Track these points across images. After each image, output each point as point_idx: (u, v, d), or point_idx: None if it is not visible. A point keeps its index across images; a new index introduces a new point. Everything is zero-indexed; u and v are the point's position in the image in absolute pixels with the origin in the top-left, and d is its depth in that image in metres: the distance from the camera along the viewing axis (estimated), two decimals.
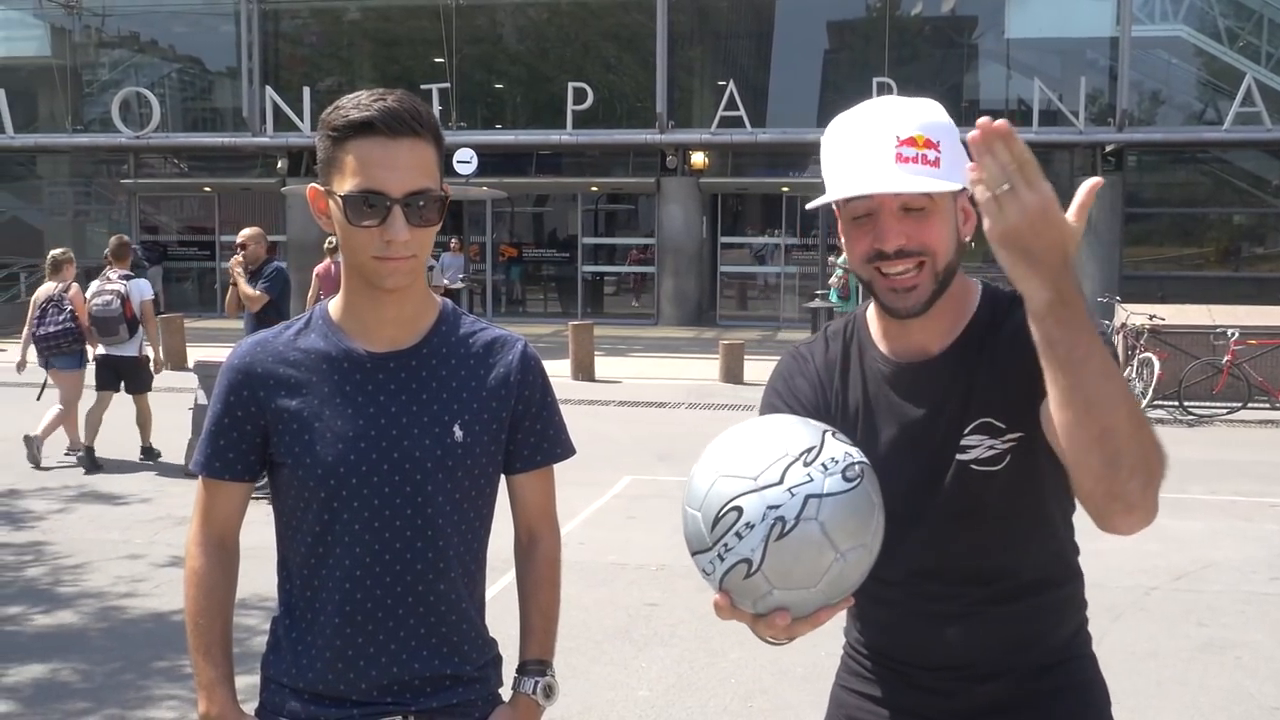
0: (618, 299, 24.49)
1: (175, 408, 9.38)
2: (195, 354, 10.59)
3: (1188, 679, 4.91)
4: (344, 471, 1.80)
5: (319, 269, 11.37)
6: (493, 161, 21.49)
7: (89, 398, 9.36)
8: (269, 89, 22.68)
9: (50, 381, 9.53)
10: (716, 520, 1.43)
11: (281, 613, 1.91)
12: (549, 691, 1.94)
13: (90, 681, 4.80)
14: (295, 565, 1.87)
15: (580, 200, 24.09)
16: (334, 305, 1.90)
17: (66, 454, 9.47)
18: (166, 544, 6.86)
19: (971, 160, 1.44)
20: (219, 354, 8.46)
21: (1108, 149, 21.38)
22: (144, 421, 9.42)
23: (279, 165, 23.53)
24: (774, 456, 1.44)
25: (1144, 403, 11.27)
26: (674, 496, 8.20)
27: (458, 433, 1.84)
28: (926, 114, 1.63)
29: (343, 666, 1.83)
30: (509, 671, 1.98)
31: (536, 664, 1.95)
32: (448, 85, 22.01)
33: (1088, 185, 1.44)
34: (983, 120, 1.39)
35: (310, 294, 11.42)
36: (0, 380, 14.22)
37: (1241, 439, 11.09)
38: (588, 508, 7.81)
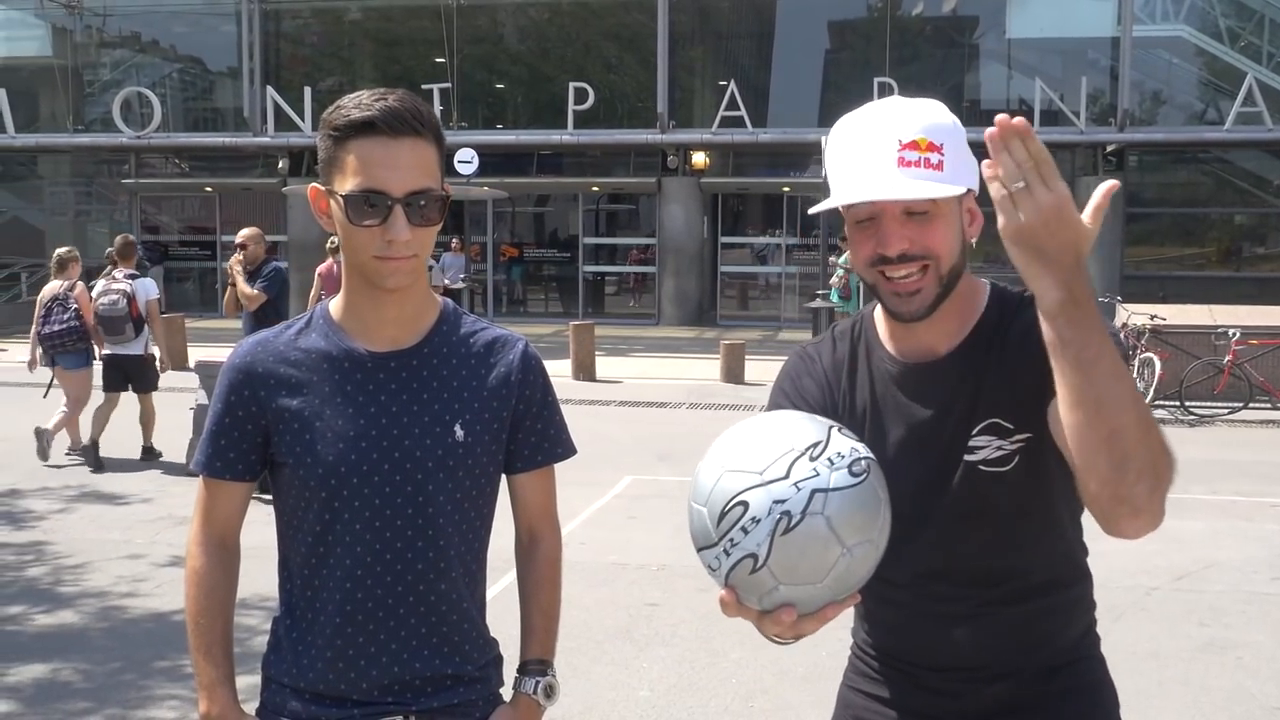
0: (619, 299, 24.50)
1: (176, 407, 9.38)
2: (196, 354, 10.60)
3: (1189, 679, 4.91)
4: (345, 471, 1.80)
5: (322, 269, 11.37)
6: (494, 161, 21.50)
7: (96, 397, 9.39)
8: (270, 89, 22.69)
9: (55, 380, 9.56)
10: (722, 515, 1.42)
11: (282, 612, 1.91)
12: (550, 691, 1.94)
13: (91, 681, 4.80)
14: (296, 565, 1.87)
15: (581, 200, 24.09)
16: (335, 305, 1.90)
17: (68, 454, 9.48)
18: (167, 544, 6.86)
19: (981, 160, 1.43)
20: (220, 354, 8.48)
21: (1109, 149, 21.37)
22: (147, 421, 9.44)
23: (280, 165, 23.54)
24: (780, 451, 1.43)
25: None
26: (675, 497, 8.22)
27: (459, 432, 1.84)
28: (929, 116, 1.62)
29: (343, 666, 1.83)
30: (510, 671, 1.98)
31: (537, 664, 1.95)
32: (449, 85, 22.01)
33: (1104, 188, 1.43)
34: (1001, 117, 1.39)
35: (313, 294, 11.43)
36: (1, 380, 14.25)
37: (1243, 439, 11.08)
38: (589, 508, 7.81)
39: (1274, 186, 22.46)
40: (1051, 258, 1.42)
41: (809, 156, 21.47)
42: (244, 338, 2.01)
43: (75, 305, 9.24)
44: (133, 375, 9.35)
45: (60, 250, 9.72)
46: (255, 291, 8.45)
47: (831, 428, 1.50)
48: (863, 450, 1.49)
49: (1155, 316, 12.66)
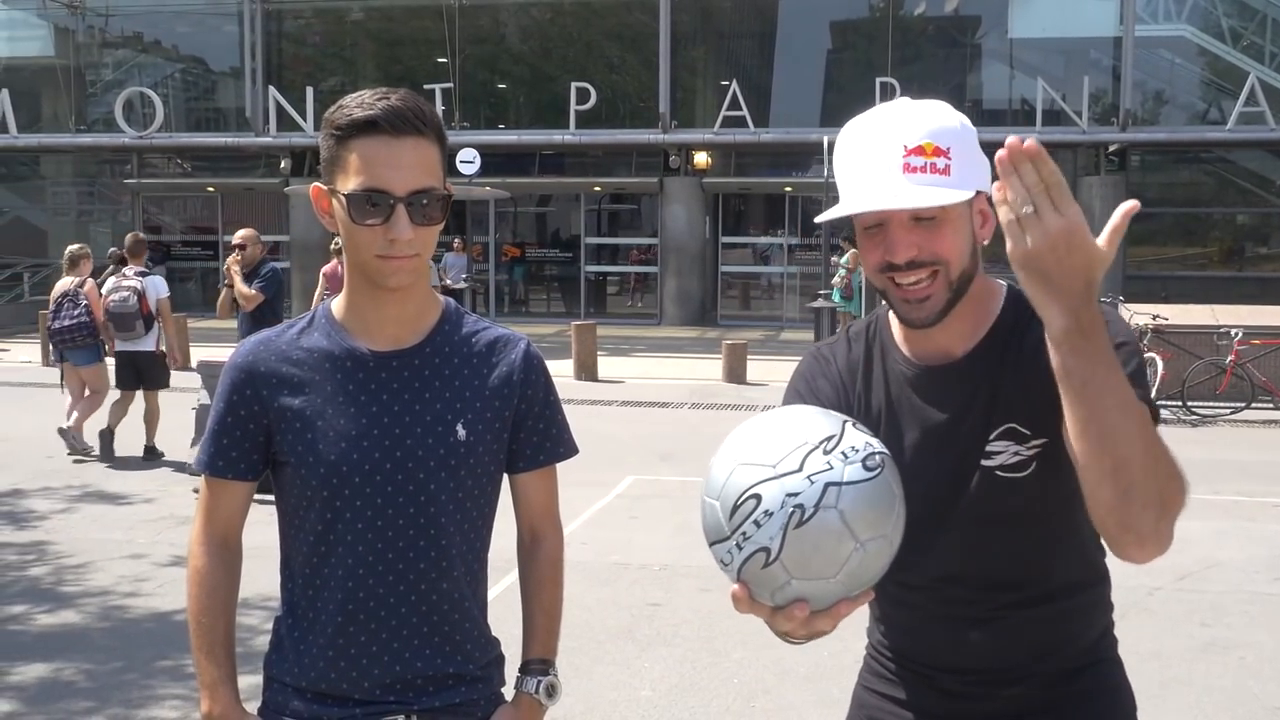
0: (620, 299, 24.50)
1: (178, 407, 9.39)
2: (198, 354, 10.62)
3: (1191, 679, 4.91)
4: (347, 470, 1.80)
5: (326, 269, 11.39)
6: (496, 161, 21.52)
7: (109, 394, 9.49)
8: (272, 89, 22.71)
9: (65, 375, 9.63)
10: (735, 508, 1.41)
11: (284, 612, 1.91)
12: (551, 691, 1.94)
13: (93, 681, 4.80)
14: (298, 564, 1.87)
15: (583, 200, 24.10)
16: (337, 304, 1.90)
17: (69, 453, 9.48)
18: (169, 544, 6.87)
19: (991, 164, 1.42)
20: (222, 354, 8.49)
21: (1111, 149, 21.37)
22: (151, 419, 9.47)
23: (282, 165, 23.55)
24: (794, 445, 1.42)
25: None
26: (677, 497, 8.22)
27: (460, 432, 1.84)
28: (935, 120, 1.60)
29: (345, 665, 1.83)
30: (511, 671, 1.98)
31: (539, 663, 1.95)
32: (451, 85, 22.01)
33: (1123, 210, 1.39)
34: (1012, 140, 1.36)
35: (317, 294, 11.45)
36: (3, 380, 14.27)
37: (1245, 439, 11.07)
38: (590, 508, 7.81)
39: (1276, 186, 22.43)
40: (1060, 285, 1.39)
41: (811, 156, 21.46)
42: (243, 338, 2.00)
43: (85, 301, 9.34)
44: (143, 371, 9.44)
45: (72, 247, 9.86)
46: (253, 292, 8.48)
47: (846, 422, 1.49)
48: (877, 445, 1.48)
49: (1157, 316, 12.64)
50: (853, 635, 1.96)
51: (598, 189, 24.05)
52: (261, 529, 2.14)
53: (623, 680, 4.86)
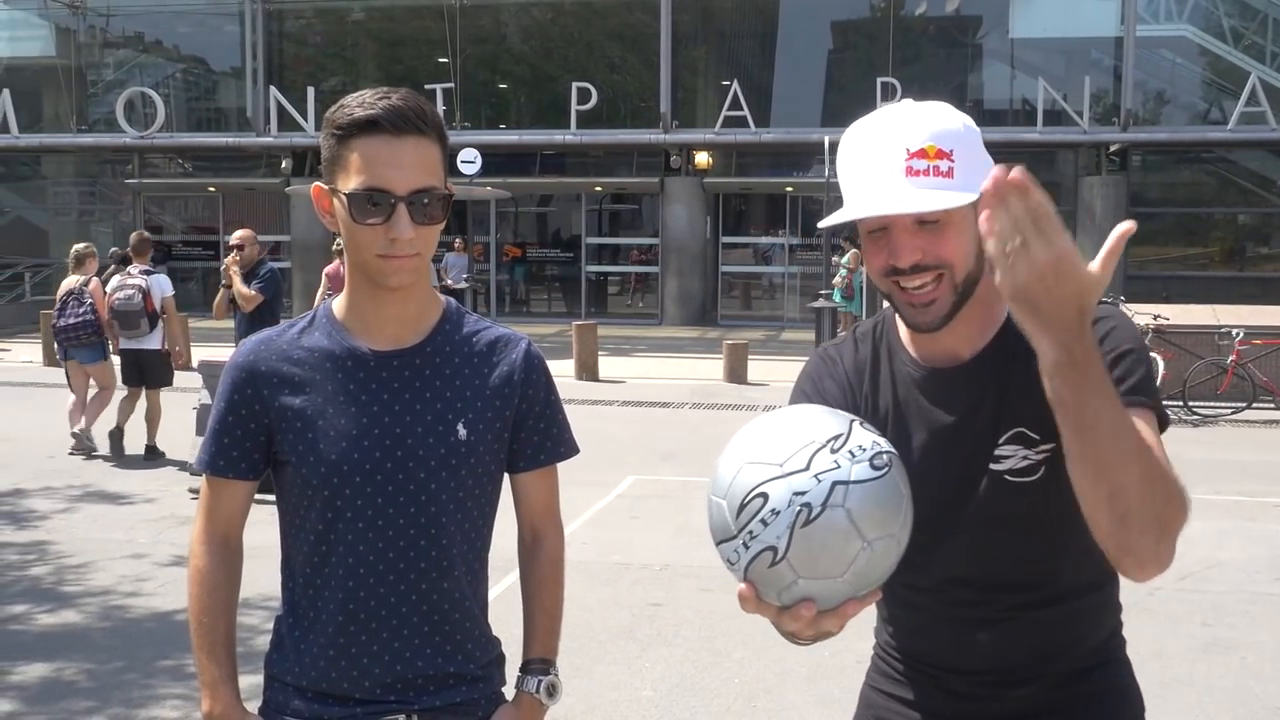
0: (621, 299, 24.51)
1: (180, 407, 9.39)
2: (199, 353, 10.64)
3: (1193, 679, 4.90)
4: (347, 469, 1.80)
5: (329, 269, 11.40)
6: (497, 161, 21.52)
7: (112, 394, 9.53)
8: (273, 89, 22.71)
9: (71, 375, 9.67)
10: (741, 507, 1.40)
11: (285, 611, 1.91)
12: (552, 690, 1.94)
13: (94, 680, 4.81)
14: (298, 563, 1.88)
15: (584, 200, 24.10)
16: (338, 304, 1.90)
17: (71, 453, 9.49)
18: (170, 543, 6.87)
19: (993, 161, 1.40)
20: (223, 353, 8.50)
21: (1112, 149, 21.37)
22: (153, 418, 9.50)
23: (283, 165, 23.56)
24: (801, 444, 1.41)
25: None
26: (677, 497, 8.22)
27: (461, 431, 1.84)
28: (938, 122, 1.59)
29: (346, 664, 1.83)
30: (512, 671, 1.98)
31: (540, 663, 1.95)
32: (452, 85, 22.01)
33: (1118, 233, 1.37)
34: (998, 171, 1.34)
35: (319, 294, 11.46)
36: (3, 380, 14.27)
37: (1246, 439, 11.07)
38: (591, 508, 7.81)
39: (1277, 186, 22.43)
40: (1050, 316, 1.38)
41: (812, 156, 21.46)
42: (240, 338, 2.00)
43: (90, 300, 9.37)
44: (147, 369, 9.46)
45: (78, 246, 9.95)
46: (253, 293, 8.50)
47: (853, 421, 1.48)
48: (884, 444, 1.47)
49: (1159, 316, 12.65)
50: (854, 636, 1.96)
51: (599, 189, 24.05)
52: (262, 529, 2.14)
53: (624, 680, 4.86)
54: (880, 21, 23.03)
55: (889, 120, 1.61)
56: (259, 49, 23.68)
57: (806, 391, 1.83)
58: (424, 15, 24.02)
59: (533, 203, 25.30)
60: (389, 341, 1.85)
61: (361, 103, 1.73)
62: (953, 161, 1.56)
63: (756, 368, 14.50)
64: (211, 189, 25.15)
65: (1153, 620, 5.57)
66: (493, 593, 2.04)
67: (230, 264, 8.62)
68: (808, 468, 1.38)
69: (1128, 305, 13.74)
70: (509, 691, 1.96)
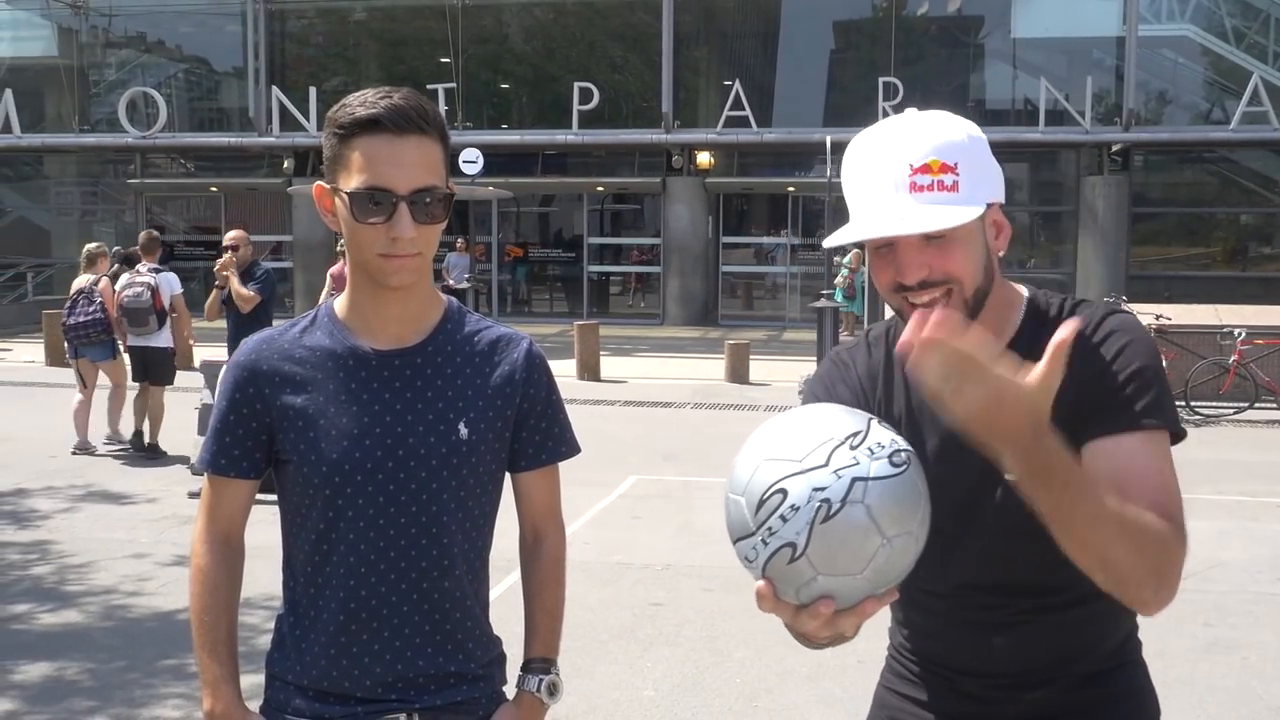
0: (623, 299, 24.50)
1: (182, 406, 9.40)
2: (201, 353, 10.66)
3: (1194, 679, 4.90)
4: (349, 468, 1.80)
5: (333, 270, 11.41)
6: (498, 161, 21.53)
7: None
8: (275, 89, 22.71)
9: (82, 373, 9.70)
10: (760, 504, 1.39)
11: (286, 610, 1.91)
12: (553, 690, 1.94)
13: (96, 680, 4.81)
14: (300, 562, 1.88)
15: (586, 200, 24.11)
16: (339, 303, 1.90)
17: (74, 452, 9.50)
18: (172, 543, 6.87)
19: (1000, 167, 1.39)
20: (224, 353, 8.51)
21: (1114, 149, 21.35)
22: (155, 416, 9.54)
23: (285, 165, 23.57)
24: (819, 440, 1.40)
25: None
26: (679, 497, 8.22)
27: (462, 430, 1.84)
28: (941, 134, 1.57)
29: (347, 663, 1.83)
30: (513, 670, 1.98)
31: (541, 662, 1.95)
32: (454, 85, 22.02)
33: (1056, 342, 1.34)
34: (904, 339, 1.33)
35: (323, 295, 11.47)
36: (1, 380, 14.28)
37: (1248, 439, 11.07)
38: (593, 507, 7.81)
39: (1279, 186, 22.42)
40: (1003, 439, 1.37)
41: (814, 156, 21.43)
42: (244, 338, 2.00)
43: (100, 299, 9.45)
44: (151, 365, 9.51)
45: (90, 246, 10.10)
46: (252, 293, 8.51)
47: (871, 419, 1.47)
48: (902, 443, 1.46)
49: (1160, 316, 12.64)
50: (888, 635, 1.96)
51: (600, 189, 24.05)
52: (264, 528, 2.15)
53: (625, 680, 4.86)
54: (882, 21, 23.02)
55: (891, 133, 1.60)
56: (261, 49, 23.69)
57: (819, 395, 1.81)
58: (426, 15, 24.02)
59: (534, 203, 25.30)
60: (390, 341, 1.86)
61: (363, 102, 1.73)
62: (957, 175, 1.55)
63: (758, 368, 14.50)
64: (213, 189, 25.16)
65: (1154, 620, 5.54)
66: (494, 592, 2.04)
67: (227, 264, 8.63)
68: (827, 463, 1.38)
69: (1130, 305, 13.75)
70: (510, 691, 1.96)
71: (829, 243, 1.69)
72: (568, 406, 2.03)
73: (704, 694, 4.72)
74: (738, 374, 14.26)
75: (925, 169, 1.54)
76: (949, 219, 1.53)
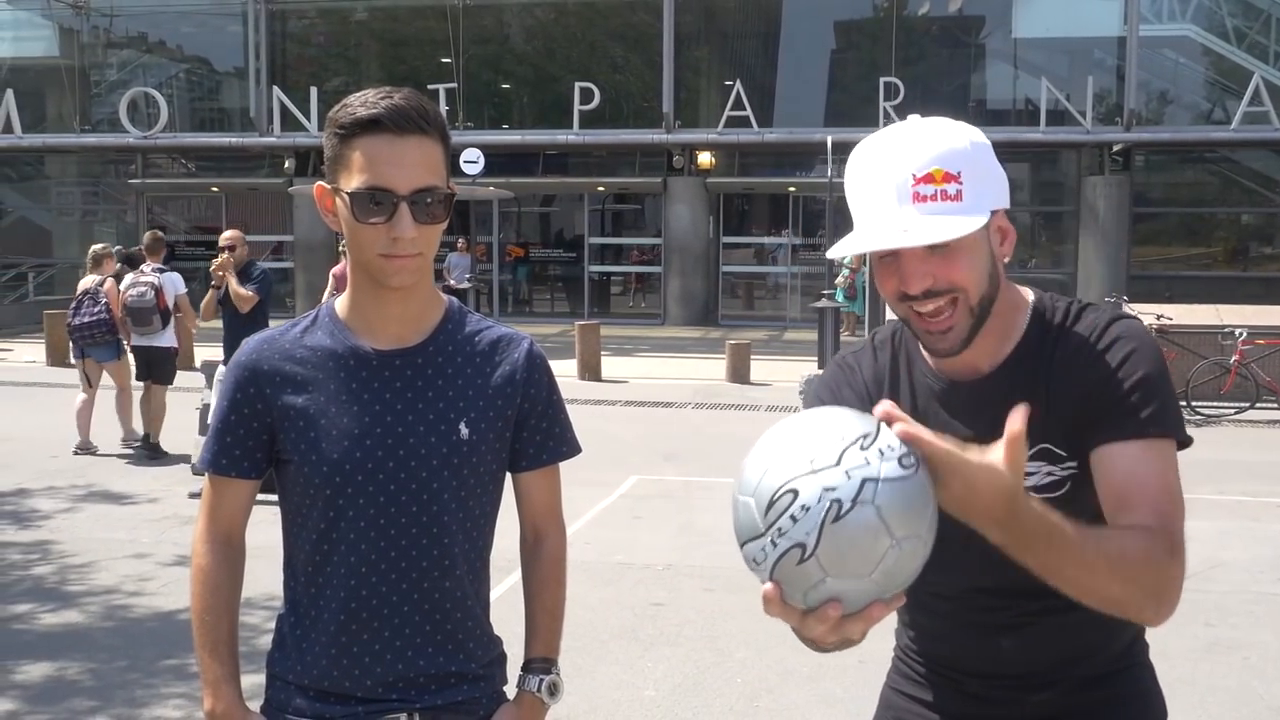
0: (624, 299, 24.50)
1: (183, 406, 9.41)
2: (202, 353, 10.68)
3: (1195, 679, 4.90)
4: (349, 468, 1.80)
5: (336, 270, 11.43)
6: (499, 161, 21.52)
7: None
8: (276, 89, 22.71)
9: (88, 373, 9.72)
10: (771, 504, 1.38)
11: (287, 610, 1.91)
12: (554, 689, 1.94)
13: (97, 680, 4.81)
14: (300, 562, 1.88)
15: (587, 200, 24.11)
16: (340, 303, 1.90)
17: (75, 452, 9.50)
18: (173, 543, 6.87)
19: (1003, 172, 1.39)
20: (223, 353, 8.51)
21: (1115, 149, 21.35)
22: (156, 415, 9.57)
23: (286, 165, 23.57)
24: (830, 441, 1.40)
25: None
26: (680, 497, 8.22)
27: (463, 430, 1.84)
28: (943, 143, 1.56)
29: (347, 663, 1.83)
30: (514, 670, 1.98)
31: (541, 662, 1.95)
32: (454, 85, 22.03)
33: (1010, 433, 1.35)
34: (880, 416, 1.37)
35: (326, 295, 11.49)
36: (1, 380, 14.29)
37: (1249, 439, 11.06)
38: (594, 507, 7.81)
39: None
40: (982, 518, 1.40)
41: (815, 156, 21.43)
42: (242, 339, 2.00)
43: (105, 299, 9.49)
44: (154, 364, 9.58)
45: (95, 247, 10.19)
46: (250, 293, 8.52)
47: (880, 422, 1.48)
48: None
49: (1161, 316, 12.63)
50: (895, 636, 1.96)
51: (601, 189, 24.05)
52: (265, 529, 2.15)
53: (626, 680, 4.86)
54: (883, 21, 23.02)
55: (894, 142, 1.59)
56: (262, 49, 23.69)
57: (824, 399, 1.80)
58: (427, 15, 24.02)
59: (535, 203, 25.30)
60: (391, 341, 1.86)
61: (364, 102, 1.73)
62: (960, 184, 1.54)
63: (759, 368, 14.50)
64: (214, 189, 25.17)
65: None
66: (495, 592, 2.04)
67: (225, 265, 8.65)
68: (838, 464, 1.37)
69: (1131, 305, 13.74)
70: (510, 690, 1.96)
71: (833, 253, 1.69)
72: (568, 406, 2.03)
73: (705, 694, 4.72)
74: (739, 374, 14.26)
75: (928, 178, 1.53)
76: (952, 230, 1.52)
